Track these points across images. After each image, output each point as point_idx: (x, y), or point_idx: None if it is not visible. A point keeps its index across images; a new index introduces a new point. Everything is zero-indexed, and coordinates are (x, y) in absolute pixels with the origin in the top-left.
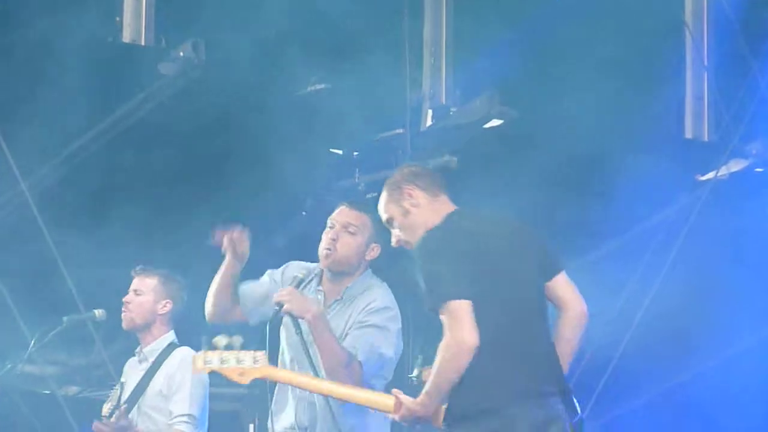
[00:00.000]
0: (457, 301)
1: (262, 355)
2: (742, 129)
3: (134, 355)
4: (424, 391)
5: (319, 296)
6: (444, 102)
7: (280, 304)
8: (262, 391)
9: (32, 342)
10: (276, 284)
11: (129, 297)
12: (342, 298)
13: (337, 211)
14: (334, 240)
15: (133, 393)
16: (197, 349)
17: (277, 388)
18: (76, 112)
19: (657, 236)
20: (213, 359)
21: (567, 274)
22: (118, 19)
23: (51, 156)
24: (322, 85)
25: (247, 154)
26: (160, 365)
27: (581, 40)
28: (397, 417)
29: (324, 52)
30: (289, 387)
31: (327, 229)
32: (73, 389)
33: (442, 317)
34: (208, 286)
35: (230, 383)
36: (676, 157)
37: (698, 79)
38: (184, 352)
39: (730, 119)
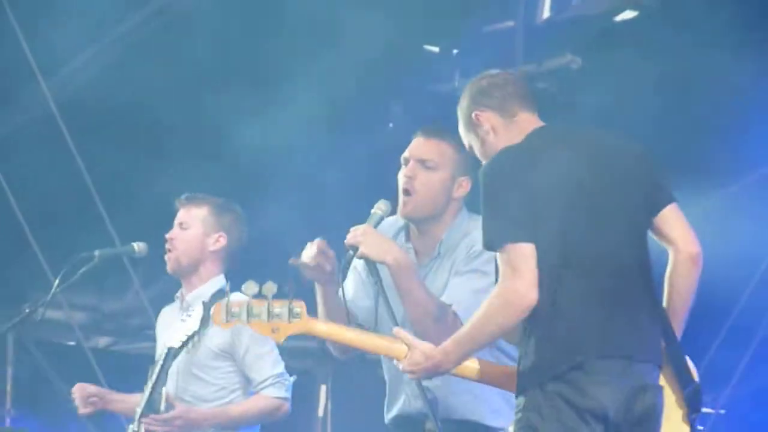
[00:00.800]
0: (516, 245)
1: (301, 306)
2: None
3: (173, 301)
4: (452, 338)
5: (411, 256)
6: None
7: (355, 248)
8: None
9: (56, 282)
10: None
11: (173, 232)
12: (438, 254)
13: (411, 143)
14: (410, 178)
15: (173, 354)
16: None
17: (386, 373)
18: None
19: None
20: (239, 311)
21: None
22: None
23: (76, 54)
24: None
25: (317, 51)
26: (205, 314)
27: None
28: (406, 365)
29: None
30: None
31: (402, 168)
32: (104, 340)
33: (499, 262)
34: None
35: (298, 335)
36: None
37: None
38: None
39: None
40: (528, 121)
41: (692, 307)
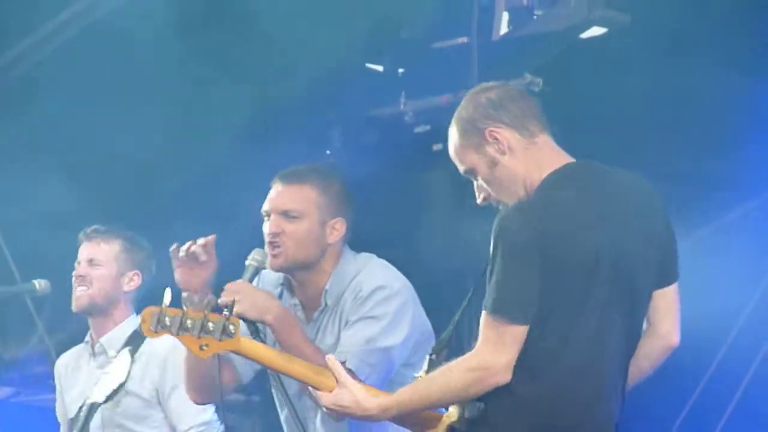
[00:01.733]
0: (511, 326)
1: (236, 324)
2: None
3: (73, 346)
4: (397, 398)
5: (298, 312)
6: (526, 2)
7: (230, 307)
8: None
9: None
10: None
11: (83, 269)
12: (326, 305)
13: (270, 193)
14: (275, 234)
15: (95, 408)
16: None
17: (283, 405)
18: None
19: None
20: (171, 322)
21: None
22: None
23: None
24: None
25: (256, 63)
26: (132, 361)
27: None
28: (329, 401)
29: None
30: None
31: (264, 222)
32: (4, 391)
33: (484, 326)
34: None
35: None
36: None
37: None
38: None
39: None
40: (550, 149)
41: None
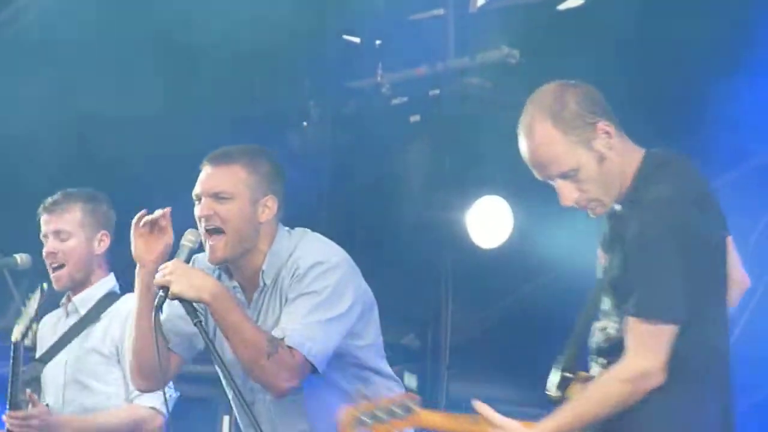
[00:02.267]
0: (667, 326)
1: (414, 399)
2: None
3: (57, 307)
4: (562, 419)
5: (238, 295)
6: None
7: (165, 288)
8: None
9: None
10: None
11: (53, 245)
12: (264, 284)
13: (200, 176)
14: (208, 217)
15: (50, 353)
16: None
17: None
18: None
19: None
20: (368, 416)
21: None
22: None
23: None
24: None
25: (228, 38)
26: (96, 320)
27: None
28: None
29: None
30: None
31: (195, 207)
32: None
33: (635, 332)
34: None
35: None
36: None
37: None
38: (130, 301)
39: None
40: (626, 139)
41: None
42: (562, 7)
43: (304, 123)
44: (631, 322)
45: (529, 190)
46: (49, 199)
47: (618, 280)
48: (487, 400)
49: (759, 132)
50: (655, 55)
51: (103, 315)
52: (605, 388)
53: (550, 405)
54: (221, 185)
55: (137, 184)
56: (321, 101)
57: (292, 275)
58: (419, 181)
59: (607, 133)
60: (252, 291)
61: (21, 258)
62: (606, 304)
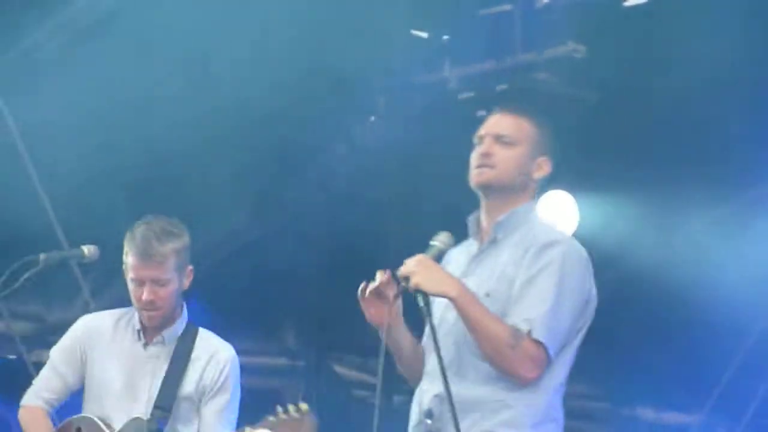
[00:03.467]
0: None
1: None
2: None
3: (138, 342)
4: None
5: (473, 248)
6: None
7: (406, 279)
8: (308, 363)
9: None
10: None
11: (150, 293)
12: (495, 239)
13: (486, 121)
14: (486, 155)
15: (163, 393)
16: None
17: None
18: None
19: None
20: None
21: None
22: None
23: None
24: None
25: (295, 33)
26: (188, 359)
27: None
28: None
29: None
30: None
31: (475, 148)
32: (48, 355)
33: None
34: None
35: (266, 351)
36: None
37: None
38: (212, 338)
39: None
40: None
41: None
42: (628, 3)
43: (372, 117)
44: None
45: (596, 184)
46: (144, 244)
47: None
48: None
49: None
50: (721, 52)
51: (192, 354)
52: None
53: None
54: (507, 129)
55: None
56: (388, 97)
57: (526, 250)
58: None
59: None
60: (485, 241)
61: (88, 249)
62: None
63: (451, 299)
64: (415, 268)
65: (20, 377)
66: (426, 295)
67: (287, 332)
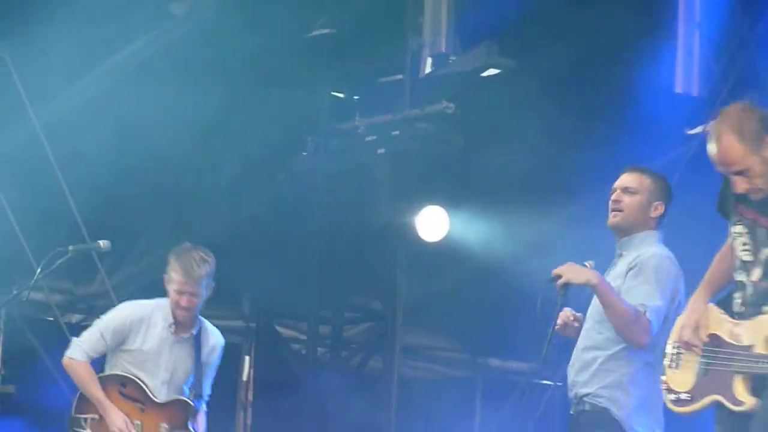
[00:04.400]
0: None
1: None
2: (730, 84)
3: (168, 330)
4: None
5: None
6: (443, 50)
7: (557, 277)
8: (258, 324)
9: (38, 270)
10: None
11: (187, 300)
12: (621, 254)
13: (619, 178)
14: (616, 201)
15: (196, 380)
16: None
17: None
18: (91, 48)
19: None
20: None
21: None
22: None
23: (62, 89)
24: (327, 30)
25: (251, 93)
26: (201, 351)
27: None
28: None
29: None
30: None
31: (611, 196)
32: (76, 317)
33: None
34: None
35: (228, 316)
36: (666, 110)
37: (689, 34)
38: (211, 330)
39: (720, 74)
40: None
41: None
42: (484, 74)
43: (304, 153)
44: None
45: (461, 202)
46: (187, 268)
47: None
48: (428, 347)
49: None
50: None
51: (203, 348)
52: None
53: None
54: (632, 183)
55: None
56: (315, 137)
57: (635, 258)
58: (384, 195)
59: None
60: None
61: (104, 243)
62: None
63: (594, 284)
64: (563, 270)
65: (55, 333)
66: (567, 289)
67: (243, 302)
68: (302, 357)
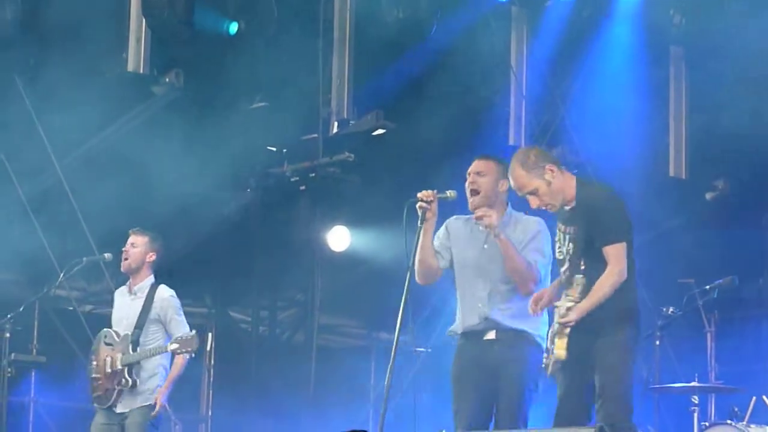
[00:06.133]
0: (622, 244)
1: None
2: (548, 136)
3: (124, 286)
4: (582, 305)
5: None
6: (346, 116)
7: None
8: (216, 310)
9: (62, 274)
10: (446, 235)
11: (127, 248)
12: (504, 223)
13: (472, 165)
14: (473, 183)
15: (139, 319)
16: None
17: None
18: (91, 119)
19: None
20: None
21: None
22: (124, 55)
23: (76, 145)
24: (263, 104)
25: (212, 151)
26: (153, 299)
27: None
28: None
29: (265, 81)
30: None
31: (467, 180)
32: (89, 307)
33: (609, 254)
34: None
35: (195, 303)
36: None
37: (519, 101)
38: (165, 289)
39: (540, 129)
40: (567, 171)
41: None
42: (375, 133)
43: (248, 189)
44: (606, 248)
45: (361, 221)
46: (135, 228)
47: (586, 233)
48: (337, 325)
49: None
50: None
51: (155, 296)
52: (603, 282)
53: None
54: (480, 167)
55: None
56: (256, 178)
57: (523, 231)
58: (305, 218)
59: (551, 170)
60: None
61: (108, 255)
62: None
63: (496, 234)
64: (487, 213)
65: (75, 319)
66: (486, 231)
67: (206, 296)
68: (248, 334)
